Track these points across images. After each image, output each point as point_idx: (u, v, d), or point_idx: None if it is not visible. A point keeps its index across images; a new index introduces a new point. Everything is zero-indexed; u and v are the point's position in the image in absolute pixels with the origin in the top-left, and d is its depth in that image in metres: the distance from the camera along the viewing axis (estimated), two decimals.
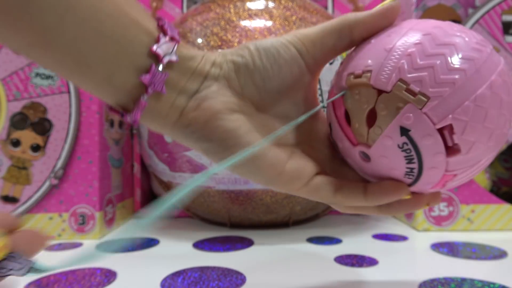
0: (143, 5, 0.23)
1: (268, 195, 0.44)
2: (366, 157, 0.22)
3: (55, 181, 0.45)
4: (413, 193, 0.23)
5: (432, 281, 0.31)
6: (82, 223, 0.46)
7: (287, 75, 0.23)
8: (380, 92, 0.21)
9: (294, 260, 0.36)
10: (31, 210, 0.45)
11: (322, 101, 0.42)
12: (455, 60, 0.20)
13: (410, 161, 0.21)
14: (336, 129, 0.24)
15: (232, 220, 0.48)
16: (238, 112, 0.23)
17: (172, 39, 0.22)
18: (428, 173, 0.21)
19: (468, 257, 0.37)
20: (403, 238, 0.44)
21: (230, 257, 0.37)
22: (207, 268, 0.34)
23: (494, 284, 0.30)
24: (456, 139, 0.20)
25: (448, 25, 0.21)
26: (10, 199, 0.45)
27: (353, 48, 0.24)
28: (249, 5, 0.45)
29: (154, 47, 0.21)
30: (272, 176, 0.23)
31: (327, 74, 0.42)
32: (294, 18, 0.44)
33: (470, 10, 0.47)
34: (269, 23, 0.43)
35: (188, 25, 0.46)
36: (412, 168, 0.21)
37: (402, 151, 0.21)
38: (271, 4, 0.46)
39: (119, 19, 0.21)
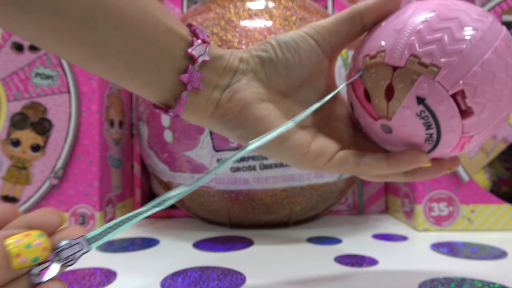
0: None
1: (268, 195, 0.44)
2: (388, 130, 0.25)
3: (55, 181, 0.45)
4: (434, 159, 0.25)
5: (432, 281, 0.31)
6: (82, 223, 0.46)
7: (307, 63, 0.26)
8: (395, 68, 0.23)
9: (294, 260, 0.36)
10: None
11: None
12: (460, 32, 0.21)
13: (428, 127, 0.23)
14: (357, 108, 0.26)
15: (232, 220, 0.48)
16: (267, 101, 0.26)
17: (203, 41, 0.25)
18: (446, 137, 0.23)
19: (468, 257, 0.37)
20: (403, 238, 0.44)
21: (230, 257, 0.37)
22: (207, 268, 0.34)
23: (494, 284, 0.30)
24: (469, 102, 0.22)
25: (451, 2, 0.23)
26: (10, 199, 0.45)
27: (365, 33, 0.26)
28: (249, 5, 0.45)
29: (190, 50, 0.24)
30: (299, 155, 0.26)
31: None
32: (294, 18, 0.44)
33: None
34: (269, 23, 0.43)
35: None
36: (431, 134, 0.23)
37: (420, 118, 0.23)
38: (271, 4, 0.46)
39: (159, 29, 0.23)
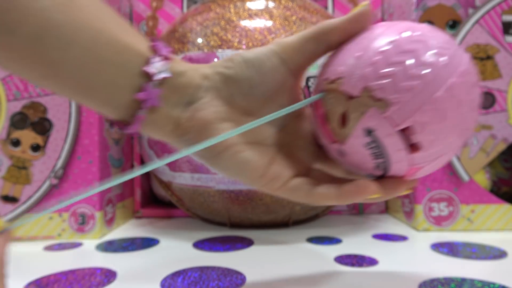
0: (135, 29, 0.26)
1: (268, 195, 0.44)
2: (342, 153, 0.25)
3: (55, 181, 0.45)
4: (390, 180, 0.25)
5: (432, 281, 0.31)
6: (82, 223, 0.46)
7: (271, 81, 0.25)
8: (350, 97, 0.23)
9: (294, 260, 0.36)
10: (31, 210, 0.45)
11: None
12: (415, 68, 0.21)
13: (377, 157, 0.23)
14: (317, 128, 0.26)
15: (232, 220, 0.48)
16: (228, 120, 0.25)
17: (165, 57, 0.25)
18: (395, 167, 0.24)
19: (468, 257, 0.37)
20: (403, 238, 0.44)
21: (230, 257, 0.37)
22: (207, 268, 0.34)
23: (494, 284, 0.30)
24: (417, 138, 0.22)
25: (416, 29, 0.23)
26: (10, 199, 0.45)
27: (331, 52, 0.26)
28: (249, 5, 0.45)
29: (146, 67, 0.24)
30: (254, 178, 0.25)
31: None
32: (294, 18, 0.44)
33: (470, 10, 0.47)
34: (269, 23, 0.43)
35: (188, 25, 0.46)
36: (380, 163, 0.24)
37: (369, 148, 0.23)
38: (271, 4, 0.45)
39: (115, 47, 0.23)
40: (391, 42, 0.22)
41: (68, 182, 0.45)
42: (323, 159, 0.27)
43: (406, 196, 0.50)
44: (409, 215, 0.50)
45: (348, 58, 0.23)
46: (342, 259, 0.36)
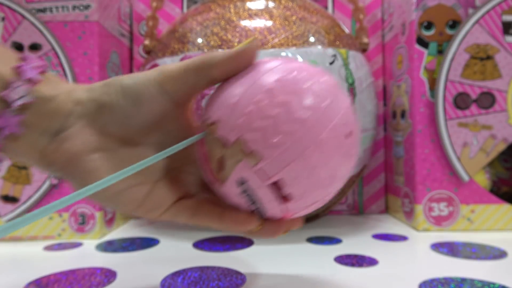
0: (5, 50, 0.24)
1: None
2: (221, 194, 0.25)
3: (55, 181, 0.45)
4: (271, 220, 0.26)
5: (432, 281, 0.31)
6: (82, 223, 0.46)
7: (149, 112, 0.24)
8: (225, 143, 0.22)
9: (294, 260, 0.36)
10: (31, 210, 0.45)
11: None
12: (286, 124, 0.21)
13: (252, 203, 0.24)
14: (200, 163, 0.26)
15: None
16: (100, 151, 0.23)
17: (29, 81, 0.23)
18: (271, 213, 0.24)
19: (468, 257, 0.37)
20: (403, 238, 0.44)
21: (230, 257, 0.37)
22: (207, 268, 0.34)
23: (494, 284, 0.30)
24: (288, 191, 0.22)
25: (295, 76, 0.22)
26: (10, 199, 0.45)
27: (216, 87, 0.25)
28: (249, 5, 0.45)
29: (4, 92, 0.22)
30: (132, 209, 0.25)
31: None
32: (294, 18, 0.44)
33: (470, 10, 0.47)
34: (269, 23, 0.43)
35: (188, 25, 0.46)
36: (256, 208, 0.24)
37: (244, 196, 0.23)
38: (271, 4, 0.46)
39: None
40: (267, 92, 0.22)
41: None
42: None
43: (406, 196, 0.50)
44: (409, 215, 0.50)
45: (226, 102, 0.23)
46: (342, 259, 0.36)
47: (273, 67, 0.23)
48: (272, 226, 0.25)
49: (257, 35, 0.42)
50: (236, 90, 0.23)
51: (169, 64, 0.24)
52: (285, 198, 0.23)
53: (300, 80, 0.22)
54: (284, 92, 0.22)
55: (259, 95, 0.22)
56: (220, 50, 0.23)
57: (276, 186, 0.22)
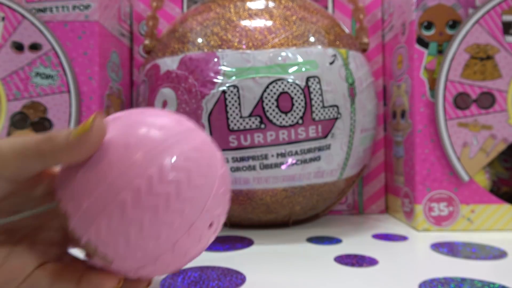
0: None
1: (268, 195, 0.44)
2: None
3: None
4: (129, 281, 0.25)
5: (432, 281, 0.31)
6: None
7: None
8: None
9: (294, 260, 0.36)
10: None
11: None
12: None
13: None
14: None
15: (232, 220, 0.48)
16: None
17: None
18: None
19: (468, 257, 0.37)
20: (403, 238, 0.44)
21: (230, 257, 0.37)
22: (207, 268, 0.34)
23: (494, 284, 0.30)
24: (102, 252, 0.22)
25: (124, 164, 0.21)
26: None
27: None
28: (249, 4, 0.45)
29: None
30: None
31: (328, 73, 0.42)
32: (294, 18, 0.44)
33: (470, 10, 0.47)
34: (269, 23, 0.43)
35: (188, 25, 0.46)
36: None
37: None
38: (271, 4, 0.46)
39: None
40: (95, 189, 0.21)
41: None
42: None
43: (406, 196, 0.50)
44: (409, 215, 0.50)
45: (69, 194, 0.22)
46: (342, 259, 0.36)
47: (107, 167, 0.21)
48: (127, 285, 0.25)
49: (257, 35, 0.42)
50: (73, 185, 0.22)
51: (4, 141, 0.21)
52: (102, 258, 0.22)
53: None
54: (112, 192, 0.21)
55: (86, 203, 0.21)
56: (64, 132, 0.21)
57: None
